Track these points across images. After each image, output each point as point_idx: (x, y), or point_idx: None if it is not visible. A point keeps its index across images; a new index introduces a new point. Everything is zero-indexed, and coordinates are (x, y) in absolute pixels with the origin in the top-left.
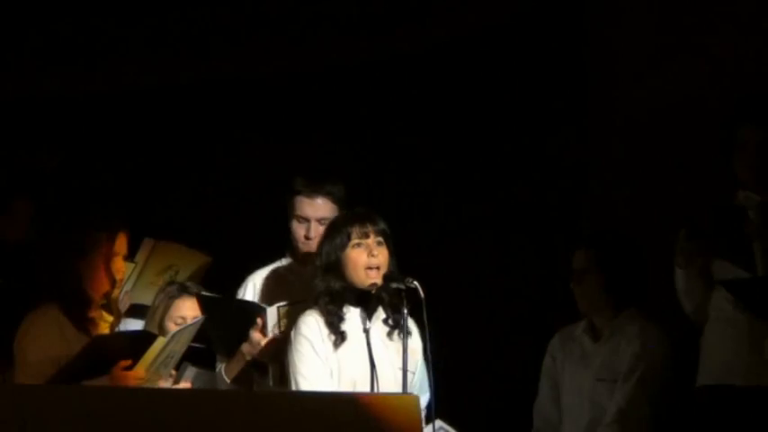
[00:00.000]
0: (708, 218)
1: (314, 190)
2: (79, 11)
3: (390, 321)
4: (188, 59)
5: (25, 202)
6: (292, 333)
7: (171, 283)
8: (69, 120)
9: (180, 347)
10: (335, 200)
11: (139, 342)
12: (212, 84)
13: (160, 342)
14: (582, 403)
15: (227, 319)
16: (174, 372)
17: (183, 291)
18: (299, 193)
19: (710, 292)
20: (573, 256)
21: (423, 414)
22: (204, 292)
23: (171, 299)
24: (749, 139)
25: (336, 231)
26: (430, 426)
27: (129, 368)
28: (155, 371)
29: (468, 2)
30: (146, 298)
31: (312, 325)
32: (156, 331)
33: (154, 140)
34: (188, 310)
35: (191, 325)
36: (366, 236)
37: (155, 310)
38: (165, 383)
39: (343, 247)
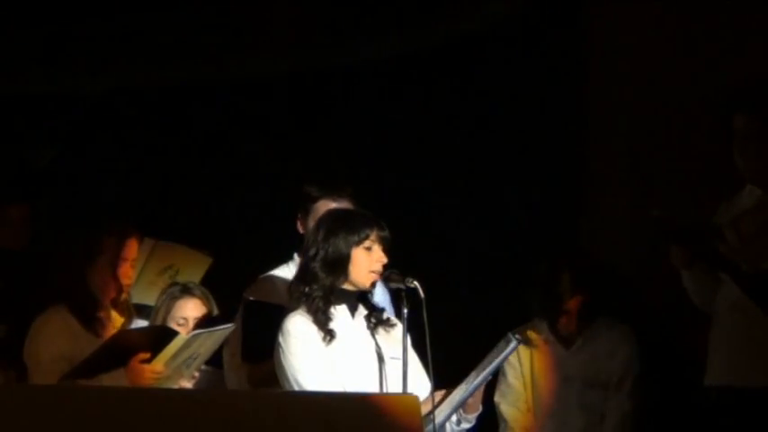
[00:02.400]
0: (685, 237)
1: (339, 194)
2: (77, 9)
3: (373, 319)
4: (188, 59)
5: (21, 207)
6: (280, 337)
7: (173, 283)
8: (67, 119)
9: (205, 351)
10: (355, 201)
11: (160, 336)
12: (212, 84)
13: (180, 339)
14: (566, 412)
15: (265, 326)
16: (196, 374)
17: (185, 291)
18: (320, 197)
19: (718, 288)
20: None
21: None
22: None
23: (173, 300)
24: (738, 127)
25: (350, 228)
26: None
27: (148, 361)
28: (175, 369)
29: (467, 1)
30: (146, 298)
31: (299, 324)
32: None
33: (152, 139)
34: (190, 311)
35: (219, 329)
36: (381, 241)
37: (157, 310)
38: (187, 384)
39: (356, 245)
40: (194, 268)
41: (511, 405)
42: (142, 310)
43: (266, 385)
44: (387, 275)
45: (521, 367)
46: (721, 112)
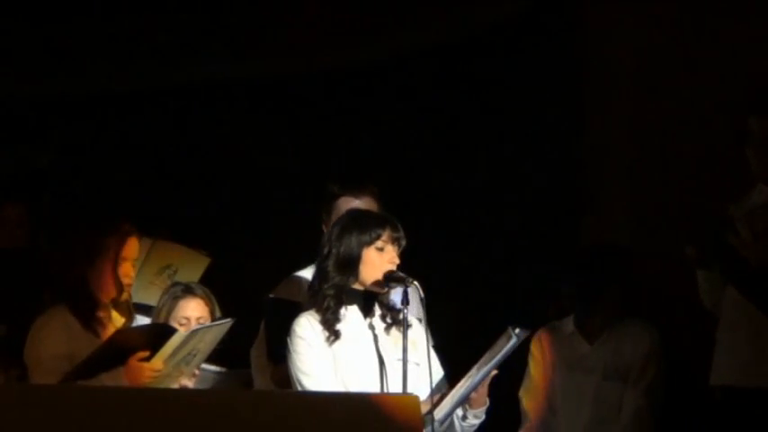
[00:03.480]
0: (698, 231)
1: (359, 190)
2: (77, 9)
3: (388, 318)
4: (190, 59)
5: (16, 207)
6: (288, 338)
7: (175, 283)
8: (66, 119)
9: (204, 347)
10: (377, 198)
11: (158, 334)
12: (214, 83)
13: (179, 336)
14: (581, 404)
15: (288, 325)
16: (197, 371)
17: (188, 291)
18: (341, 195)
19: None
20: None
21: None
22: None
23: (175, 300)
24: (756, 129)
25: (363, 228)
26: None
27: (147, 359)
28: (175, 366)
29: (467, 2)
30: (144, 297)
31: (305, 325)
32: None
33: (150, 139)
34: (192, 311)
35: (218, 324)
36: (393, 242)
37: (159, 310)
38: (188, 382)
39: (367, 244)
40: (193, 268)
41: (533, 399)
42: (140, 310)
43: (290, 385)
44: (387, 275)
45: (543, 362)
46: (735, 114)
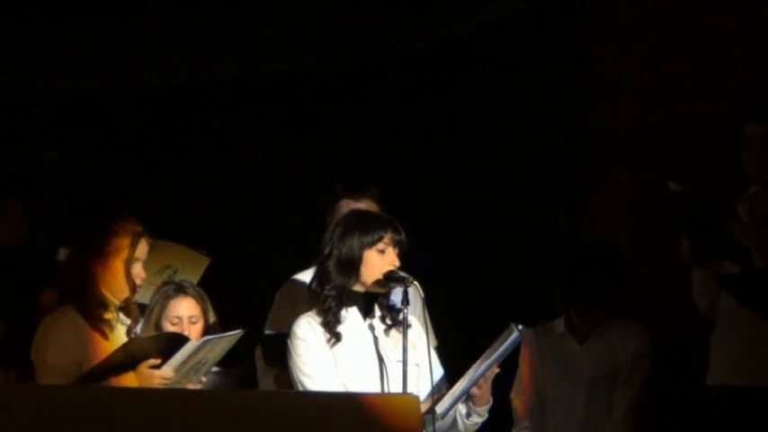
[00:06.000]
0: (694, 222)
1: (361, 192)
2: (76, 9)
3: (388, 320)
4: (190, 59)
5: (15, 204)
6: (288, 340)
7: (167, 282)
8: (66, 119)
9: (213, 357)
10: (379, 201)
11: (171, 343)
12: (215, 82)
13: (190, 345)
14: (572, 404)
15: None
16: (203, 379)
17: (179, 290)
18: (342, 196)
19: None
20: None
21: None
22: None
23: (167, 299)
24: (754, 134)
25: (365, 230)
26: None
27: (158, 367)
28: (184, 374)
29: (467, 0)
30: (143, 297)
31: (305, 327)
32: (152, 331)
33: (150, 138)
34: (184, 310)
35: (229, 336)
36: (395, 244)
37: (151, 309)
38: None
39: (369, 246)
40: (193, 268)
41: (524, 400)
42: (140, 310)
43: (291, 388)
44: (387, 275)
45: (534, 362)
46: (731, 118)
